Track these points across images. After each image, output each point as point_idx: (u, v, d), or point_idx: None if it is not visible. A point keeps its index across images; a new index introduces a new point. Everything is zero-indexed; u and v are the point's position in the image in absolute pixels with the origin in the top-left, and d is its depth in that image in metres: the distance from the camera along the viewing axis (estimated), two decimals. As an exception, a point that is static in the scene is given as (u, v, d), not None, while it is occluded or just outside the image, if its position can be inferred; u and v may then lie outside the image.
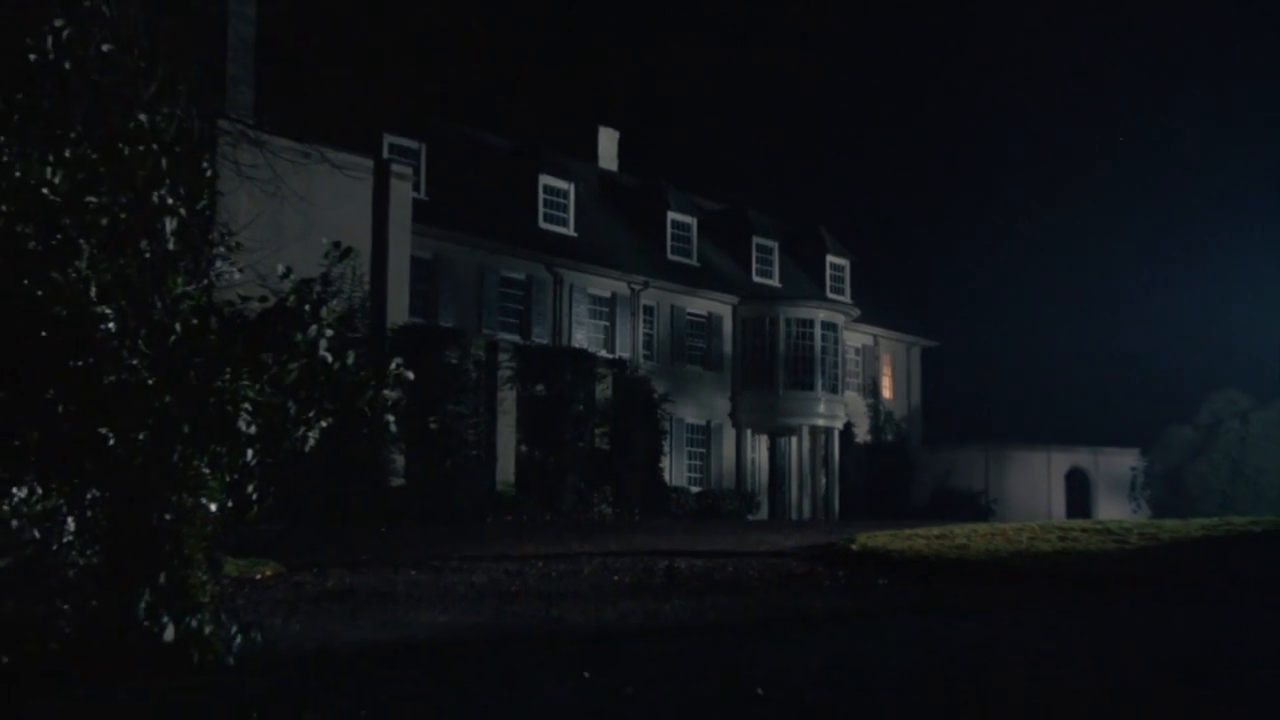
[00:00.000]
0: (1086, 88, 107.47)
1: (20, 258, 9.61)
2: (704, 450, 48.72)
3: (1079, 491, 58.06)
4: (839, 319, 51.43)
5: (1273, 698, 8.86)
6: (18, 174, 9.65)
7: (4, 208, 9.59)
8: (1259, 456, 53.29)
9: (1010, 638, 11.62)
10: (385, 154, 37.80)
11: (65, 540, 10.35)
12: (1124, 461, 58.23)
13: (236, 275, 11.05)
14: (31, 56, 9.94)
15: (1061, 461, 58.48)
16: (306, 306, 9.90)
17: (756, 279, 53.07)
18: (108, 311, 9.46)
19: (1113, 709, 8.28)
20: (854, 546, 19.50)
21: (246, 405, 9.62)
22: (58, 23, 10.07)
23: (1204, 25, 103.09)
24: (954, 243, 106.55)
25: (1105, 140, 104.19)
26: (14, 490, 10.23)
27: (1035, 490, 56.99)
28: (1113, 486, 57.82)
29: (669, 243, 49.84)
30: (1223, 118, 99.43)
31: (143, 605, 9.10)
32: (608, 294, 45.87)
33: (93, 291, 9.48)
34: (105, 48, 10.44)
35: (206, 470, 9.59)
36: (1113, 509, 54.55)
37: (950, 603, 14.23)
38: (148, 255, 9.96)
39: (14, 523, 10.39)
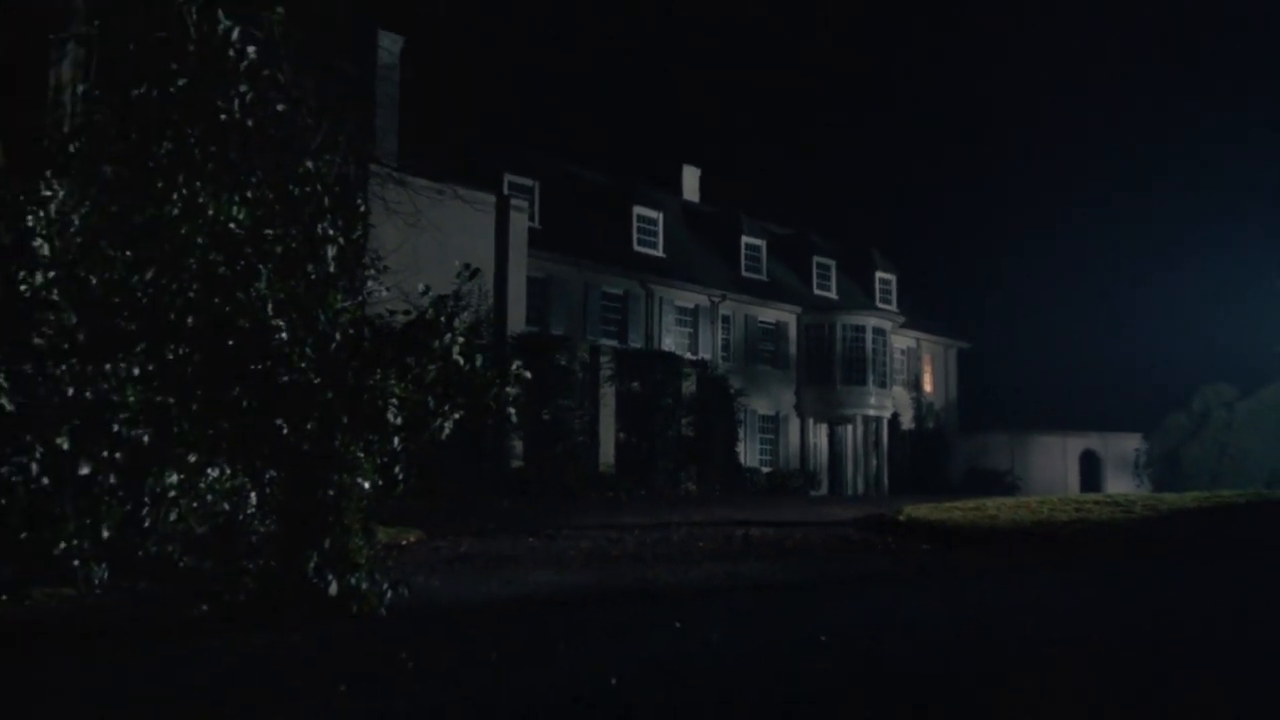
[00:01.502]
0: (1090, 114, 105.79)
1: (212, 280, 9.80)
2: (773, 437, 48.54)
3: (1091, 470, 57.52)
4: (887, 325, 51.11)
5: (1228, 634, 8.70)
6: (210, 212, 9.84)
7: (200, 239, 9.78)
8: (1242, 440, 52.90)
9: (1033, 594, 11.48)
10: (505, 190, 38.06)
11: (249, 512, 10.55)
12: (1129, 444, 57.53)
13: (384, 293, 11.18)
14: (222, 116, 10.13)
15: (1076, 444, 57.89)
16: (442, 318, 9.95)
17: (817, 292, 52.80)
18: (281, 324, 9.58)
19: (1109, 649, 8.17)
20: (901, 517, 19.32)
21: (394, 401, 9.69)
22: (243, 88, 10.25)
23: (1199, 42, 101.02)
24: (985, 260, 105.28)
25: (1108, 160, 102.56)
26: (209, 471, 10.45)
27: (1053, 469, 56.42)
28: (1119, 465, 57.20)
29: (743, 262, 49.74)
30: (1215, 136, 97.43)
31: (311, 565, 9.21)
32: (691, 305, 45.83)
33: (269, 307, 9.62)
34: (280, 108, 10.63)
35: (361, 454, 9.66)
36: (1120, 485, 53.93)
37: (982, 564, 14.08)
38: (313, 277, 10.09)
39: (209, 497, 10.61)
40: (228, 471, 10.62)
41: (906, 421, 54.06)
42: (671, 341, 44.11)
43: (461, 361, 9.96)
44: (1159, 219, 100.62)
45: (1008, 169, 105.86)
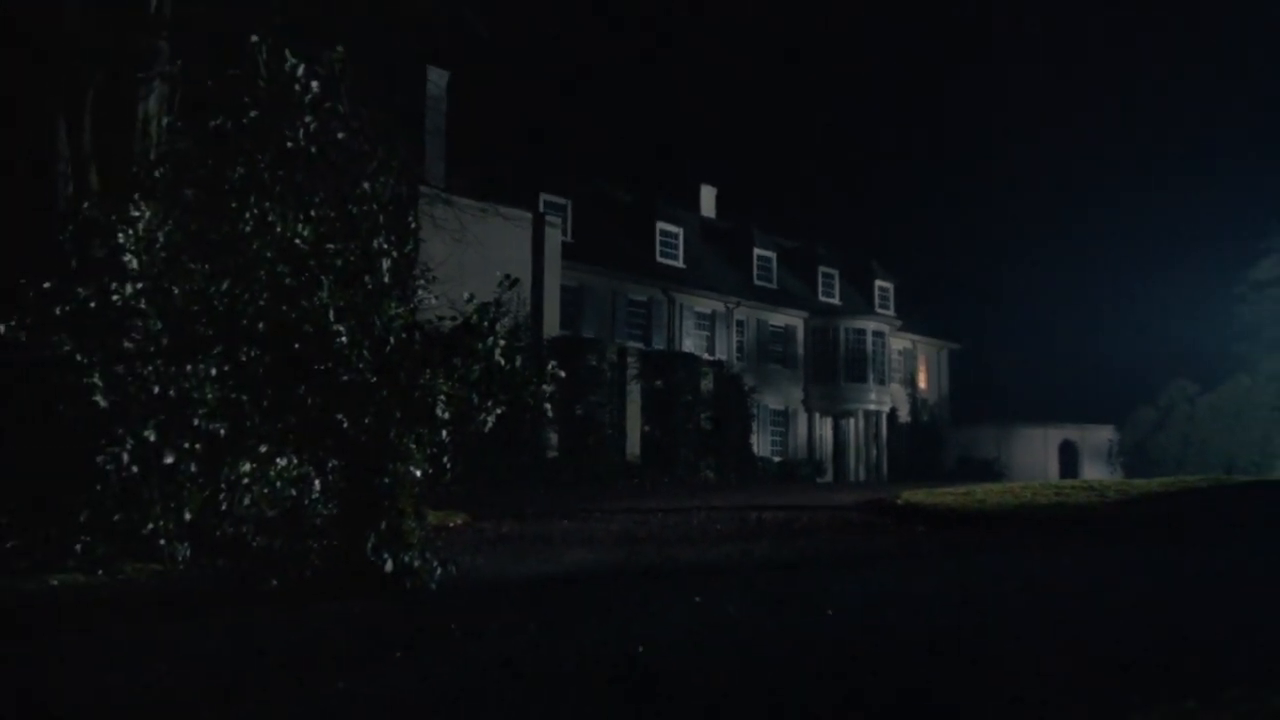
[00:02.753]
0: (1066, 141, 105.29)
1: (280, 290, 9.87)
2: (783, 429, 48.46)
3: (1069, 458, 57.53)
4: (885, 328, 50.98)
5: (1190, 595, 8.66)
6: (279, 229, 9.92)
7: (269, 254, 9.86)
8: (1204, 430, 53.13)
9: (1016, 569, 11.43)
10: (541, 208, 38.09)
11: (314, 497, 10.63)
12: (1103, 435, 57.52)
13: (433, 301, 11.22)
14: (289, 144, 10.22)
15: (1056, 435, 57.84)
16: (485, 324, 9.98)
17: (822, 299, 52.67)
18: (341, 329, 9.64)
19: (1081, 618, 8.15)
20: (899, 501, 19.26)
21: (442, 397, 9.72)
22: (307, 119, 10.33)
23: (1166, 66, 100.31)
24: (974, 268, 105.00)
25: (1083, 183, 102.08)
26: (278, 460, 10.53)
27: (1036, 457, 56.36)
28: (1095, 454, 57.24)
29: (755, 272, 49.67)
30: (1176, 161, 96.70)
31: (370, 545, 9.26)
32: (709, 311, 45.81)
33: (331, 314, 9.68)
34: (340, 136, 10.69)
35: (413, 446, 9.69)
36: (1095, 471, 53.99)
37: (972, 543, 14.02)
38: (370, 287, 10.15)
39: (278, 484, 10.70)
40: (294, 461, 10.70)
41: (903, 415, 53.93)
42: (691, 343, 44.09)
43: (502, 362, 10.00)
44: (1130, 232, 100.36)
45: (995, 186, 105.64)
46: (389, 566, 9.23)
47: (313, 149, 10.43)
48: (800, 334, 49.91)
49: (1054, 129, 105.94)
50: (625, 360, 37.37)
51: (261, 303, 9.90)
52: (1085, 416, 58.68)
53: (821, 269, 53.39)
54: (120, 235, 10.41)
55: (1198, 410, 53.78)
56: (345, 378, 9.58)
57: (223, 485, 10.66)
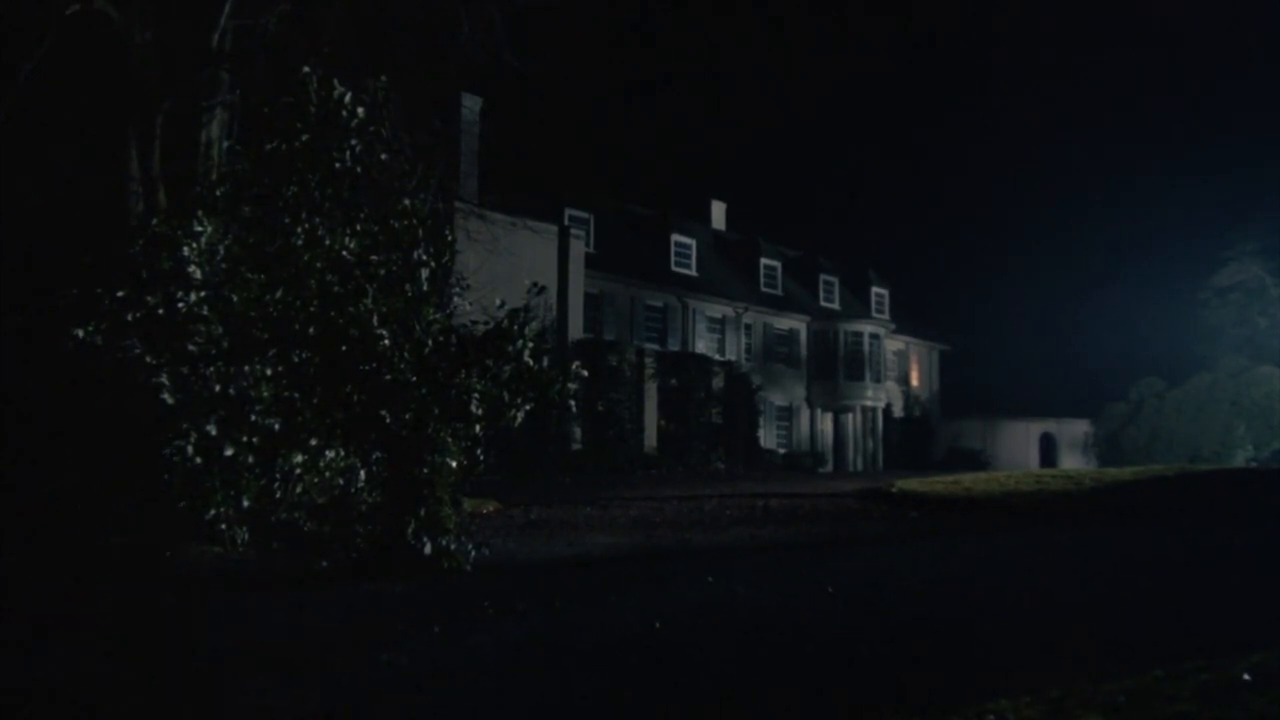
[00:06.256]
0: (1043, 159, 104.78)
1: (329, 298, 9.90)
2: (787, 423, 48.34)
3: (1048, 449, 57.43)
4: (881, 331, 50.82)
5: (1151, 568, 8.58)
6: (327, 242, 9.94)
7: (319, 265, 9.89)
8: (1170, 423, 52.94)
9: (999, 550, 11.36)
10: (566, 222, 38.07)
11: (359, 486, 10.62)
12: (1079, 428, 57.39)
13: (467, 307, 11.25)
14: (337, 164, 10.24)
15: (1036, 428, 57.74)
16: (515, 328, 9.99)
17: (823, 304, 52.52)
18: (384, 333, 9.67)
19: (1060, 595, 8.09)
20: (893, 489, 19.21)
21: (476, 395, 9.74)
22: (353, 142, 10.36)
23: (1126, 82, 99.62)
24: (961, 275, 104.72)
25: (1058, 198, 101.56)
26: (327, 452, 10.54)
27: (1018, 449, 56.21)
28: (1071, 445, 57.14)
29: (761, 279, 49.55)
30: (1145, 178, 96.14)
31: (410, 530, 9.29)
32: (720, 316, 45.73)
33: (375, 320, 9.71)
34: (383, 157, 10.71)
35: (449, 439, 9.72)
36: (1072, 461, 53.93)
37: (960, 527, 13.96)
38: (410, 295, 10.17)
39: (327, 474, 10.71)
40: (342, 453, 10.71)
41: (898, 410, 53.74)
42: (703, 345, 44.03)
43: (531, 363, 10.01)
44: (1104, 243, 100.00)
45: (984, 201, 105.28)
46: (428, 549, 9.25)
47: (358, 169, 10.46)
48: (803, 336, 49.80)
49: (1035, 153, 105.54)
50: (643, 361, 37.33)
51: (312, 309, 9.93)
52: (1063, 411, 58.48)
53: (822, 277, 53.26)
54: (185, 248, 10.45)
55: (1165, 405, 53.59)
56: (388, 377, 9.60)
57: (277, 475, 10.68)
